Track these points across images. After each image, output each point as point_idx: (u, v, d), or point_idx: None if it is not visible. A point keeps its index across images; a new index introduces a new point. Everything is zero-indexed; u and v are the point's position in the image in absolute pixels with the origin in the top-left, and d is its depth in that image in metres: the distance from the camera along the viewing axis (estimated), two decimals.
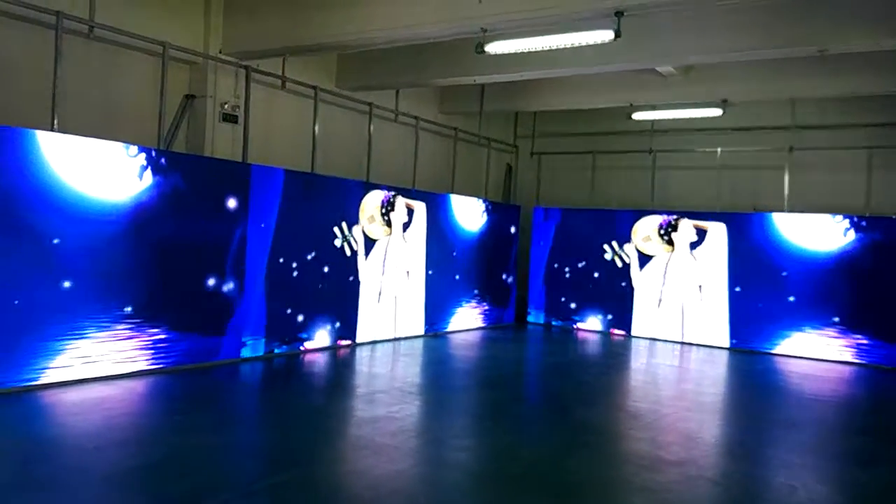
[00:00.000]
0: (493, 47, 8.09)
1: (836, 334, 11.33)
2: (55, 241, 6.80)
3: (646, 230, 12.88)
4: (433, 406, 7.49)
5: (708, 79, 11.09)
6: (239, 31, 9.00)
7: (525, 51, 8.35)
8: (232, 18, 9.05)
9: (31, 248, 6.64)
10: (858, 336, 11.18)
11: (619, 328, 13.23)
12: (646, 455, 6.01)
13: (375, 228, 10.65)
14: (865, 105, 11.75)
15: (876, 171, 11.80)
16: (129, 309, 7.43)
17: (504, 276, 13.68)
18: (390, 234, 10.92)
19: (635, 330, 13.05)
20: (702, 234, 12.34)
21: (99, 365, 7.22)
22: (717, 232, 12.22)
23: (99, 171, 7.12)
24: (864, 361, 11.10)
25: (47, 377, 6.82)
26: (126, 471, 4.98)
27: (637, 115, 12.64)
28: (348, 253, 10.16)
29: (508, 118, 15.18)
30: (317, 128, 10.12)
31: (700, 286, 12.40)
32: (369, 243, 10.54)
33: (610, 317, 13.30)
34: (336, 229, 9.92)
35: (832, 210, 11.68)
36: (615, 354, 11.40)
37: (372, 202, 10.56)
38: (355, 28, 8.17)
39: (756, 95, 11.26)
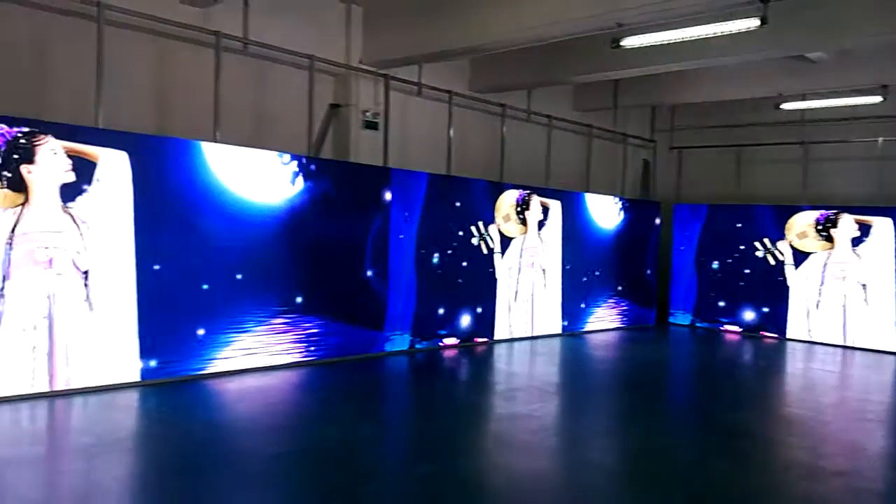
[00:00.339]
0: (630, 42, 7.90)
1: None
2: (219, 242, 7.36)
3: (801, 226, 12.06)
4: (573, 405, 7.42)
5: (865, 64, 10.20)
6: (377, 41, 9.34)
7: (663, 43, 8.08)
8: (371, 30, 9.40)
9: (198, 249, 7.22)
10: None
11: (770, 330, 12.48)
12: (804, 464, 5.66)
13: (511, 227, 10.70)
14: None
15: None
16: (284, 305, 7.93)
17: (644, 276, 13.28)
18: (525, 232, 10.94)
19: (790, 332, 12.24)
20: (865, 229, 11.40)
21: (258, 356, 7.74)
22: (883, 227, 11.24)
23: (256, 178, 7.64)
24: None
25: (214, 367, 7.40)
26: (284, 456, 5.26)
27: (786, 105, 11.88)
28: (485, 251, 10.27)
29: (645, 112, 14.71)
30: (451, 131, 10.30)
31: (864, 285, 11.46)
32: (505, 241, 10.61)
33: (760, 318, 12.57)
34: (473, 228, 10.07)
35: None
36: (767, 357, 10.76)
37: (507, 201, 10.61)
38: (489, 32, 8.22)
39: None
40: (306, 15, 8.96)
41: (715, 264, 13.06)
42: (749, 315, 12.68)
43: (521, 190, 10.82)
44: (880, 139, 11.94)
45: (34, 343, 6.25)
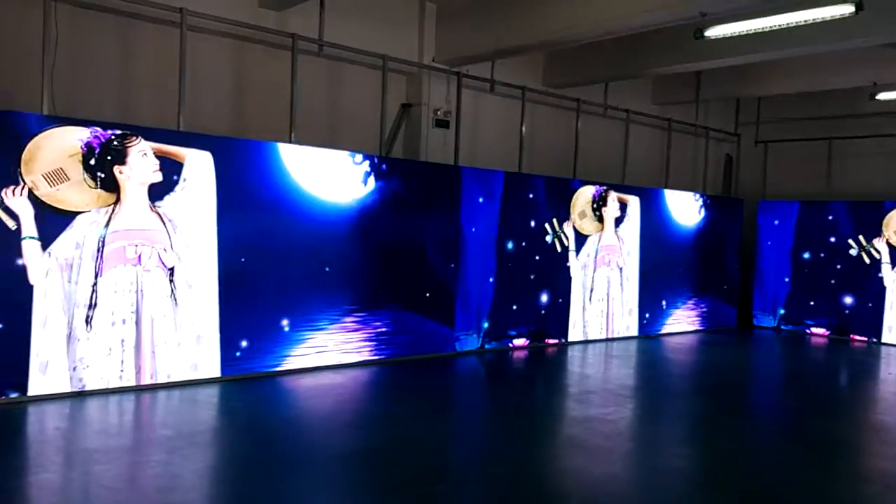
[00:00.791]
0: (714, 31, 7.52)
1: None
2: (292, 242, 7.42)
3: None
4: (648, 410, 7.12)
5: None
6: (450, 39, 9.23)
7: (750, 32, 7.65)
8: (444, 28, 9.30)
9: (272, 250, 7.30)
10: None
11: (860, 334, 11.73)
12: (891, 474, 5.34)
13: (587, 224, 10.41)
14: None
15: None
16: (355, 304, 7.94)
17: (726, 276, 12.71)
18: (602, 229, 10.63)
19: (884, 336, 11.47)
20: None
21: (330, 354, 7.78)
22: None
23: (329, 178, 7.67)
24: None
25: (288, 364, 7.48)
26: (352, 452, 5.28)
27: (882, 96, 11.10)
28: (559, 249, 10.04)
29: (728, 105, 14.04)
30: (524, 127, 10.11)
31: None
32: (581, 239, 10.33)
33: (850, 321, 11.83)
34: (547, 226, 9.85)
35: None
36: (857, 363, 10.11)
37: (583, 197, 10.33)
38: (565, 24, 7.98)
39: None
40: (380, 15, 8.94)
41: (802, 264, 12.37)
42: (838, 317, 11.97)
43: (597, 186, 10.53)
44: None
45: (123, 337, 6.45)
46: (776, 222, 12.71)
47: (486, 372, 8.49)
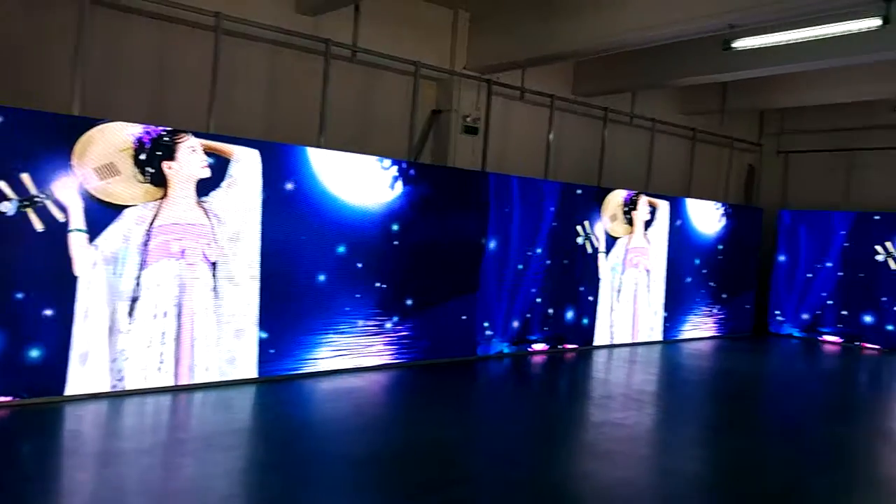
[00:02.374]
0: (742, 43, 7.30)
1: None
2: (317, 243, 7.32)
3: None
4: (665, 415, 6.90)
5: None
6: (483, 46, 9.07)
7: (776, 44, 7.42)
8: (477, 35, 9.14)
9: (299, 254, 7.20)
10: None
11: (872, 342, 11.39)
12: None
13: (617, 226, 10.25)
14: None
15: None
16: (380, 307, 7.80)
17: (744, 284, 12.41)
18: (632, 232, 10.45)
19: (893, 343, 11.16)
20: None
21: (350, 358, 7.65)
22: None
23: (357, 182, 7.56)
24: None
25: (308, 367, 7.35)
26: (369, 456, 5.15)
27: None
28: (589, 250, 9.88)
29: (752, 116, 13.70)
30: (551, 136, 9.93)
31: None
32: (610, 241, 10.17)
33: (863, 329, 11.51)
34: (578, 227, 9.70)
35: None
36: (868, 370, 9.81)
37: (614, 200, 10.18)
38: (596, 34, 7.80)
39: None
40: (414, 22, 8.80)
41: (817, 274, 12.04)
42: (852, 325, 11.62)
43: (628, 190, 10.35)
44: None
45: (164, 330, 6.40)
46: (794, 231, 12.38)
47: (505, 377, 8.31)
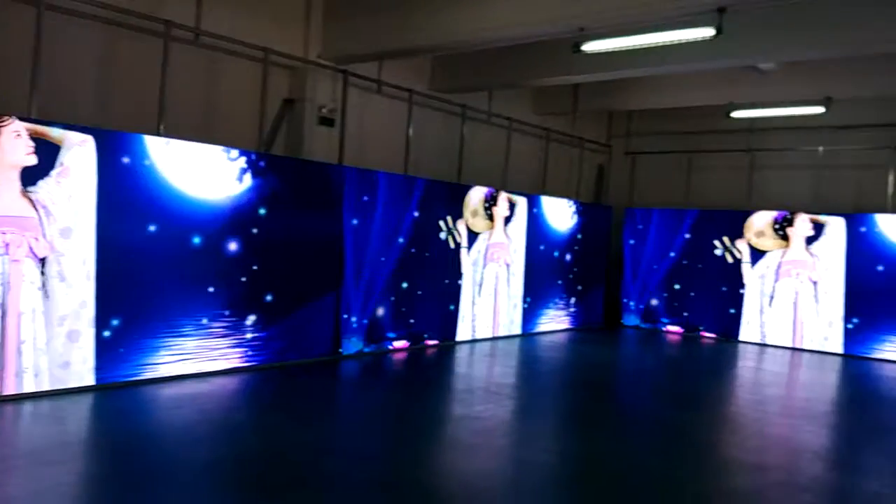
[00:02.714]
0: (590, 46, 7.52)
1: None
2: (157, 239, 6.73)
3: (759, 225, 11.84)
4: (520, 407, 6.99)
5: (810, 76, 10.09)
6: (338, 36, 8.77)
7: (622, 49, 7.73)
8: (331, 24, 8.82)
9: (133, 247, 6.58)
10: None
11: (711, 331, 12.30)
12: (734, 460, 5.63)
13: (478, 222, 10.33)
14: None
15: None
16: (224, 307, 7.30)
17: (595, 278, 12.97)
18: (493, 227, 10.56)
19: (731, 333, 12.08)
20: (819, 228, 11.27)
21: (197, 362, 7.11)
22: (837, 227, 11.09)
23: (202, 174, 7.02)
24: None
25: (147, 373, 6.74)
26: (219, 463, 4.82)
27: (736, 114, 11.64)
28: (452, 245, 9.88)
29: (602, 117, 14.39)
30: (410, 130, 9.81)
31: (815, 283, 11.30)
32: (472, 237, 10.22)
33: (703, 319, 12.39)
34: (441, 223, 9.66)
35: None
36: (706, 358, 10.54)
37: (476, 196, 10.26)
38: (451, 31, 7.78)
39: (860, 92, 10.18)
40: (264, 6, 8.34)
41: (661, 268, 12.83)
42: (692, 316, 12.49)
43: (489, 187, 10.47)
44: (820, 148, 11.86)
45: None
46: (640, 228, 13.12)
47: (364, 375, 8.09)
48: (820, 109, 10.65)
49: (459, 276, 10.09)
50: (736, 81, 10.59)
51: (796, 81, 10.29)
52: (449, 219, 9.83)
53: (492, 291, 10.73)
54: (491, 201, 10.57)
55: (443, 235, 9.76)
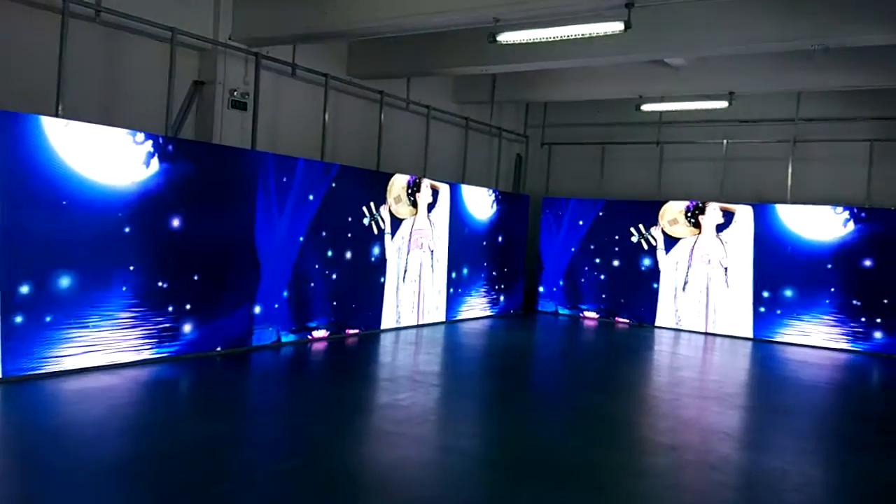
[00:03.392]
0: (506, 37, 7.60)
1: (833, 322, 10.95)
2: (59, 227, 6.38)
3: (673, 213, 12.30)
4: (440, 394, 7.06)
5: (716, 71, 10.55)
6: (249, 17, 8.48)
7: (537, 41, 7.85)
8: (242, 5, 8.54)
9: (34, 235, 6.23)
10: (855, 324, 10.80)
11: (625, 316, 12.76)
12: (647, 440, 5.87)
13: (402, 208, 10.34)
14: (867, 99, 11.23)
15: (877, 164, 11.24)
16: (133, 297, 7.01)
17: (513, 265, 13.19)
18: (416, 213, 10.57)
19: (648, 318, 12.55)
20: (729, 216, 11.82)
21: (104, 353, 6.81)
22: (745, 216, 11.65)
23: (105, 158, 6.68)
24: (859, 349, 10.76)
25: (50, 366, 6.40)
26: (127, 460, 4.64)
27: (646, 107, 12.05)
28: (375, 231, 9.86)
29: (520, 108, 14.61)
30: (327, 115, 9.66)
31: (726, 269, 11.85)
32: (396, 223, 10.21)
33: (617, 305, 12.84)
34: (364, 208, 9.62)
35: (833, 202, 11.25)
36: (620, 343, 10.94)
37: (399, 182, 10.25)
38: (367, 16, 7.68)
39: (762, 88, 10.74)
40: None
41: (578, 256, 13.20)
42: (608, 302, 12.93)
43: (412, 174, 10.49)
44: (725, 141, 12.44)
45: None
46: (556, 217, 13.43)
47: (281, 366, 7.95)
48: (723, 104, 11.16)
49: (383, 262, 10.05)
50: (646, 76, 10.94)
51: (702, 77, 10.71)
52: (372, 204, 9.78)
53: (416, 278, 10.75)
54: (414, 187, 10.59)
55: (366, 221, 9.70)
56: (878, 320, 10.66)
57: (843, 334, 10.90)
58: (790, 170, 11.79)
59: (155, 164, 7.09)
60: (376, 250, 9.93)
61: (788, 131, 11.97)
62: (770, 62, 10.03)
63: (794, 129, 11.91)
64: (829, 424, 6.89)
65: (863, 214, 10.82)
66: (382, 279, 10.09)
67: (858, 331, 10.79)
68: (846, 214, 10.91)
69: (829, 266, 10.99)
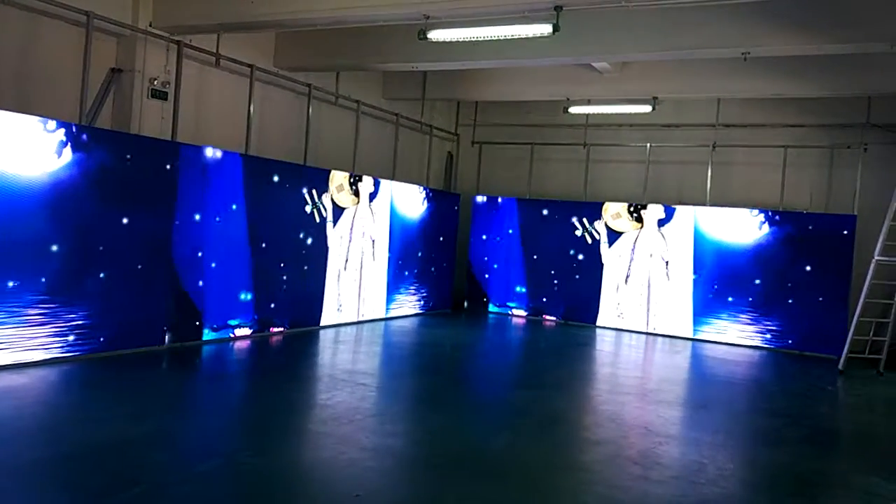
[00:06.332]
0: (435, 35, 7.68)
1: (749, 321, 11.54)
2: None
3: (616, 208, 12.66)
4: (366, 392, 7.08)
5: (640, 76, 10.95)
6: (171, 4, 8.29)
7: (466, 40, 7.96)
8: None
9: None
10: (769, 322, 11.41)
11: (552, 314, 13.08)
12: (573, 436, 6.08)
13: (344, 197, 10.41)
14: (783, 107, 11.90)
15: (790, 169, 11.92)
16: (43, 293, 6.73)
17: (444, 264, 13.31)
18: (358, 203, 10.66)
19: (582, 316, 12.89)
20: (670, 211, 12.24)
21: (9, 352, 6.51)
22: (685, 213, 12.10)
23: (13, 146, 6.39)
24: (773, 347, 11.36)
25: None
26: (35, 464, 4.45)
27: (573, 109, 12.40)
28: (317, 220, 9.87)
29: (451, 106, 14.74)
30: (252, 108, 9.51)
31: (667, 262, 12.25)
32: (338, 212, 10.26)
33: (550, 303, 13.15)
34: (306, 193, 9.69)
35: (750, 204, 11.84)
36: (547, 340, 11.21)
37: (340, 172, 10.35)
38: (294, 7, 7.64)
39: (684, 94, 11.22)
40: None
41: (507, 255, 13.45)
42: (540, 300, 13.22)
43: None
44: (648, 145, 12.92)
45: None
46: (487, 215, 13.65)
47: (204, 365, 7.79)
48: (647, 108, 11.60)
49: (326, 251, 10.06)
50: (574, 79, 11.25)
51: (628, 81, 11.08)
52: (314, 192, 9.83)
53: (357, 267, 10.86)
54: (357, 177, 10.67)
55: (308, 209, 9.69)
56: (789, 319, 11.27)
57: (757, 332, 11.48)
58: (710, 173, 12.33)
59: (68, 153, 6.83)
60: (316, 241, 9.97)
61: (709, 136, 12.53)
62: (693, 69, 10.45)
63: (714, 133, 12.48)
64: (743, 419, 7.20)
65: (777, 217, 11.44)
66: (322, 272, 10.13)
67: (772, 328, 11.39)
68: (762, 217, 11.51)
69: (747, 266, 11.55)
